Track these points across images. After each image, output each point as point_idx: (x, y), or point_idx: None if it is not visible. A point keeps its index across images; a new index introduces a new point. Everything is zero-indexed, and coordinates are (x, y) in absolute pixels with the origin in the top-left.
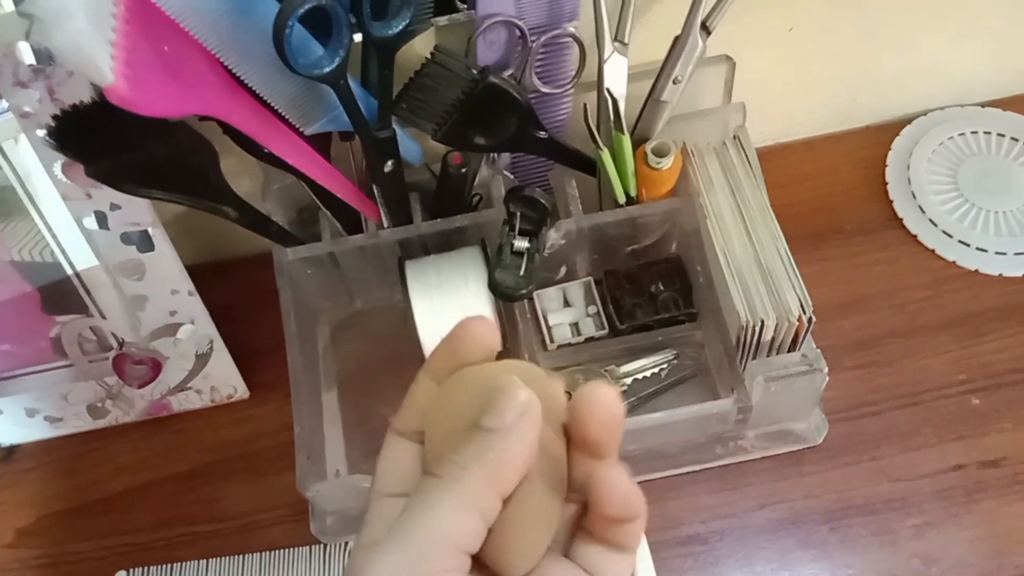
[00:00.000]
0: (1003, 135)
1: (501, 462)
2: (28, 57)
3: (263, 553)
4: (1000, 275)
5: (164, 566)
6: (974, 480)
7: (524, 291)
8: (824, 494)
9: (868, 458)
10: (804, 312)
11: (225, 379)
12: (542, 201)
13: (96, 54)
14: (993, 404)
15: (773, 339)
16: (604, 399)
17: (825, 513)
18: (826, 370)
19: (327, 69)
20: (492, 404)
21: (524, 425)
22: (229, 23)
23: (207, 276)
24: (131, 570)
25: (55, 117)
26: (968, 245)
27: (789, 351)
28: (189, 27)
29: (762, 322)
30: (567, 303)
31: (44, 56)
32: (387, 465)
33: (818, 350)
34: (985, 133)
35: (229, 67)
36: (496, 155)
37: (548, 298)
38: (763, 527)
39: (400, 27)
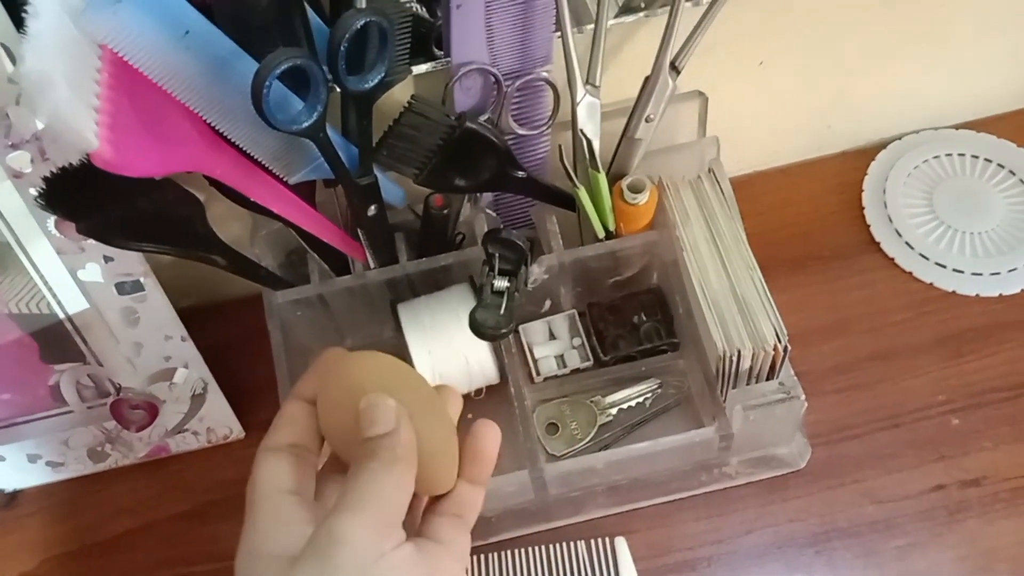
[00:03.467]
0: (977, 156)
1: (406, 448)
2: (39, 123)
3: None
4: (977, 295)
5: None
6: (956, 500)
7: (504, 330)
8: (809, 518)
9: (851, 481)
10: (780, 341)
11: (220, 420)
12: (519, 242)
13: (79, 121)
14: (973, 424)
15: (751, 368)
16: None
17: (810, 536)
18: (803, 397)
19: (306, 124)
20: (371, 417)
21: (403, 422)
22: (210, 84)
23: (200, 318)
24: None
25: (45, 180)
26: (945, 267)
27: (768, 379)
28: (171, 89)
29: (739, 352)
30: (552, 336)
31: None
32: (285, 420)
33: (795, 377)
34: (959, 155)
35: (211, 124)
36: (478, 194)
37: (534, 331)
38: (750, 552)
39: (375, 81)
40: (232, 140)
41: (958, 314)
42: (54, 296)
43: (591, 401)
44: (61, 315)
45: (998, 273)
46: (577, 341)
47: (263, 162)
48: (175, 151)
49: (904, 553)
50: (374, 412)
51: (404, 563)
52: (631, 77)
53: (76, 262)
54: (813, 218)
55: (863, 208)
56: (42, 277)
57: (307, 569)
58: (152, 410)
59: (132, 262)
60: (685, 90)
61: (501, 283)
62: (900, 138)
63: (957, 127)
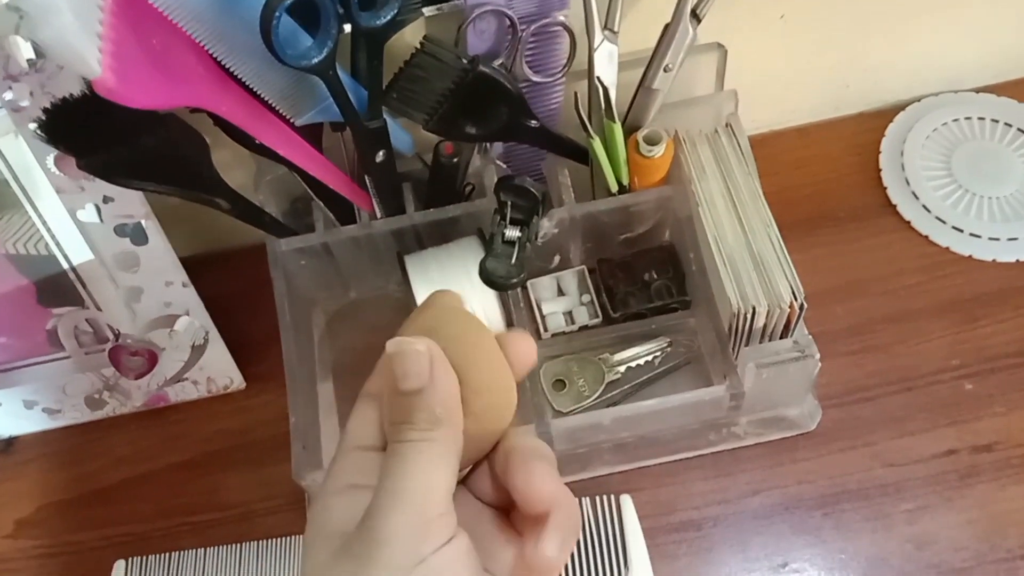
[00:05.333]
0: (997, 121)
1: (446, 406)
2: (27, 51)
3: (260, 542)
4: (994, 260)
5: (162, 555)
6: (967, 464)
7: (515, 280)
8: (818, 480)
9: (862, 443)
10: (795, 299)
11: (221, 370)
12: (532, 190)
13: (83, 47)
14: (986, 389)
15: (765, 326)
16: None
17: (819, 498)
18: (818, 356)
19: (315, 60)
20: (403, 368)
21: (438, 369)
22: (217, 15)
23: (203, 267)
24: (130, 559)
25: (45, 111)
26: (962, 231)
27: (781, 338)
28: (177, 19)
29: (753, 309)
30: (561, 292)
31: (36, 50)
32: (358, 422)
33: (810, 336)
34: (979, 119)
35: (218, 59)
36: (489, 144)
37: (542, 287)
38: (757, 513)
39: (388, 17)
40: (239, 77)
41: (974, 278)
42: (52, 237)
43: (599, 358)
44: (59, 256)
45: (1016, 238)
46: (586, 298)
47: (270, 101)
48: (180, 85)
49: (914, 517)
50: (404, 361)
51: (448, 566)
52: (650, 25)
53: (75, 202)
54: (829, 179)
55: (880, 170)
56: (40, 217)
57: (346, 569)
58: (151, 357)
59: (132, 204)
60: (704, 41)
61: (513, 232)
62: (919, 100)
63: (977, 90)
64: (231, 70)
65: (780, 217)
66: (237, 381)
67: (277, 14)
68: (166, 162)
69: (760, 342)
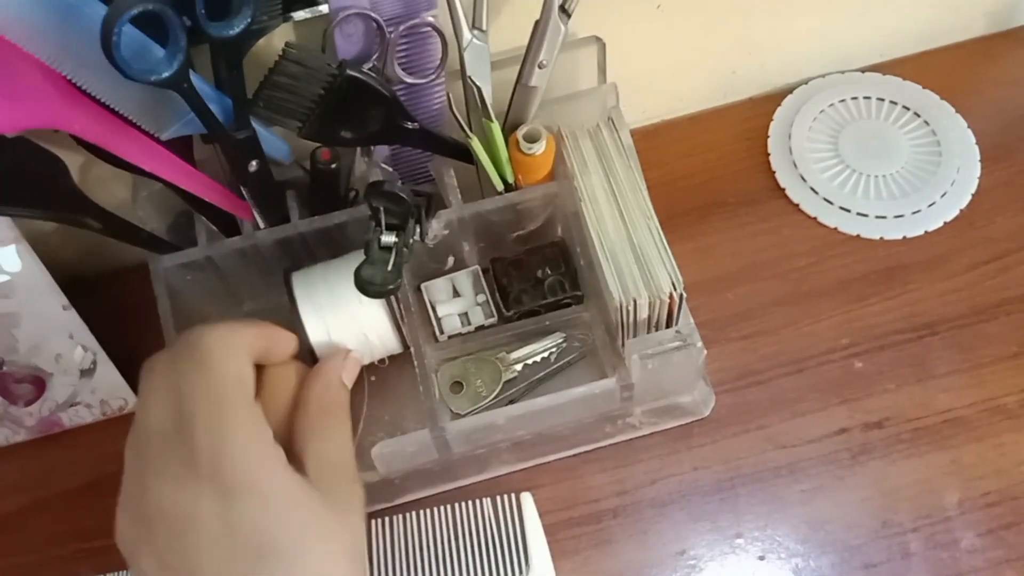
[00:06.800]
0: (883, 99)
1: None
2: None
3: None
4: (881, 239)
5: None
6: (859, 442)
7: (392, 286)
8: (713, 465)
9: (755, 427)
10: (675, 289)
11: (114, 391)
12: (403, 195)
13: None
14: (876, 366)
15: (649, 317)
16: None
17: (714, 484)
18: (700, 344)
19: (166, 74)
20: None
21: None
22: (59, 31)
23: (91, 288)
24: None
25: None
26: (849, 211)
27: (666, 327)
28: (14, 38)
29: (635, 301)
30: (456, 293)
31: None
32: None
33: (693, 325)
34: (865, 98)
35: (67, 76)
36: (372, 148)
37: (437, 289)
38: (654, 502)
39: (241, 27)
40: (91, 93)
41: (862, 258)
42: None
43: (496, 358)
44: None
45: (902, 216)
46: (481, 298)
47: (129, 117)
48: (23, 106)
49: (808, 497)
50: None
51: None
52: (523, 22)
53: None
54: (720, 166)
55: (769, 154)
56: None
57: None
58: (38, 384)
59: (1, 228)
60: (583, 35)
61: (388, 238)
62: (807, 82)
63: (863, 70)
64: (81, 87)
65: (671, 207)
66: (132, 401)
67: (116, 31)
68: (21, 184)
69: (647, 333)
